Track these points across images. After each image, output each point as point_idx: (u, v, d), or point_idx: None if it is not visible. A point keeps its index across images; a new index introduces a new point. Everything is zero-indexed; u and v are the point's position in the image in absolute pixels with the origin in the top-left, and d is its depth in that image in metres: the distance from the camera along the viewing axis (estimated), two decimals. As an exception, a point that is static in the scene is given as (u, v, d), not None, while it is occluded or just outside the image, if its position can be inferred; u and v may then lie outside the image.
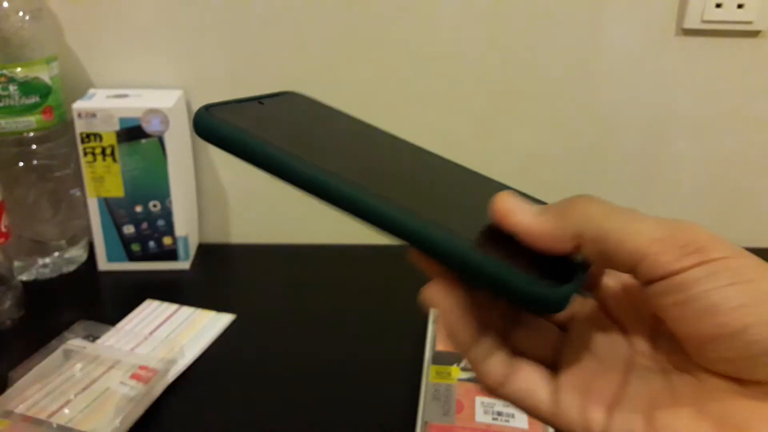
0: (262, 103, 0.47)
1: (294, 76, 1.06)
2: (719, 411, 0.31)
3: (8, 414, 0.72)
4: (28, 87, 0.93)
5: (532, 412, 0.37)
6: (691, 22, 1.01)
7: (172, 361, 0.82)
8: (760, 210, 1.16)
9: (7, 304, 0.90)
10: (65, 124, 1.00)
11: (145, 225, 1.03)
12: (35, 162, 0.97)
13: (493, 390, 0.38)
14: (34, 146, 0.97)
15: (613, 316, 0.39)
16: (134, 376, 0.78)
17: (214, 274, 1.07)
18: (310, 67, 1.06)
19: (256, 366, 0.85)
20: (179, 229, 1.04)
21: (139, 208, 1.01)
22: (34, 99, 0.94)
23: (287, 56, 1.05)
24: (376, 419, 0.76)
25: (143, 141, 0.97)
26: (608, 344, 0.38)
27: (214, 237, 1.17)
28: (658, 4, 1.02)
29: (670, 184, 1.14)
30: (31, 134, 0.96)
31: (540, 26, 1.03)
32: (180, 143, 1.02)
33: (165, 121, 0.96)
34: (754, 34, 1.03)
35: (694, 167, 1.12)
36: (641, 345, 0.37)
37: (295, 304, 0.96)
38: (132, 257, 1.05)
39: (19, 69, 0.92)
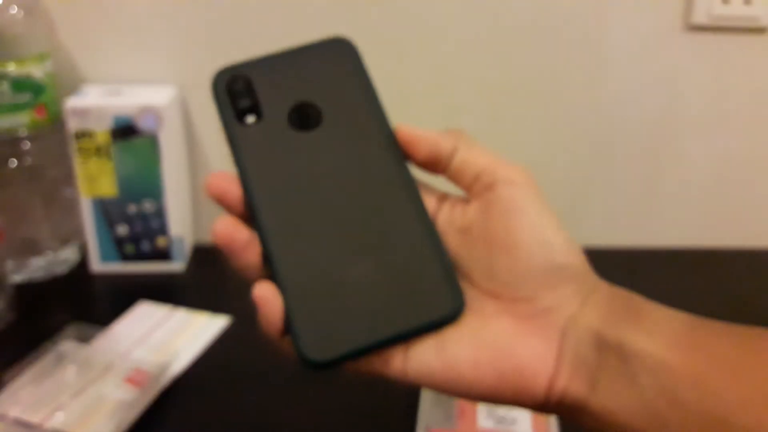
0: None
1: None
2: (491, 337, 0.41)
3: (1, 418, 0.72)
4: (20, 84, 0.93)
5: None
6: (698, 17, 1.00)
7: (167, 364, 0.82)
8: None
9: (-1, 305, 0.90)
10: (58, 122, 0.99)
11: (138, 225, 1.02)
12: (27, 161, 0.97)
13: None
14: (26, 145, 0.96)
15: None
16: (128, 380, 0.78)
17: (210, 276, 1.07)
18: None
19: (252, 369, 0.84)
20: (174, 230, 1.03)
21: (132, 208, 1.01)
22: (26, 97, 0.94)
23: (284, 53, 1.04)
24: (376, 424, 0.76)
25: (137, 139, 0.96)
26: None
27: (210, 237, 1.16)
28: (664, 0, 1.01)
29: (676, 183, 1.13)
30: (24, 132, 0.95)
31: (545, 23, 1.03)
32: (174, 141, 1.02)
33: (159, 119, 0.96)
34: (762, 30, 1.03)
35: (701, 165, 1.12)
36: None
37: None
38: (126, 258, 1.04)
39: (11, 66, 0.92)
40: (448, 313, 0.41)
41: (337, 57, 0.48)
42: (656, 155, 1.11)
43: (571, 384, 0.39)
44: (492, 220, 0.42)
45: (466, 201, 0.45)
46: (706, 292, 1.04)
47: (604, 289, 0.42)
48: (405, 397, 0.77)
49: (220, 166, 1.11)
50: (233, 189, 0.44)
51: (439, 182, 0.48)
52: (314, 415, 0.77)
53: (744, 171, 1.13)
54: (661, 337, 0.38)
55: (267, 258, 0.43)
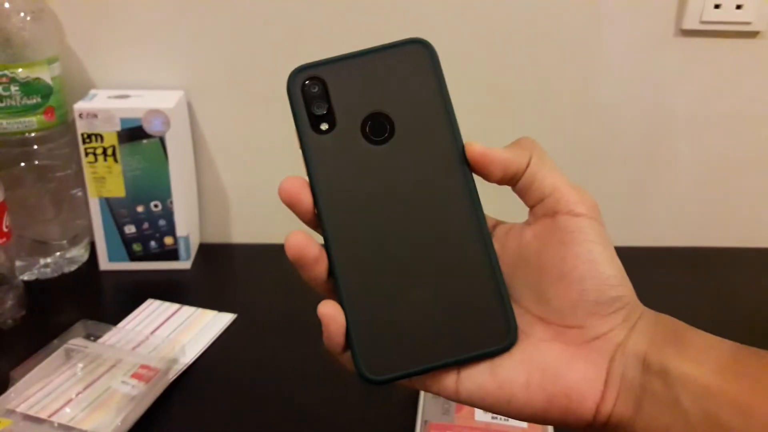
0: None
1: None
2: (541, 361, 0.41)
3: (10, 413, 0.72)
4: (29, 87, 0.94)
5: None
6: (690, 22, 1.01)
7: (173, 361, 0.82)
8: (757, 210, 1.16)
9: (9, 303, 0.91)
10: (66, 125, 1.00)
11: (146, 225, 1.03)
12: (37, 162, 0.98)
13: None
14: (35, 146, 0.97)
15: None
16: (135, 376, 0.78)
17: (215, 274, 1.08)
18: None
19: (257, 365, 0.85)
20: (180, 229, 1.04)
21: (140, 208, 1.02)
22: (35, 99, 0.95)
23: (287, 57, 1.05)
24: (376, 418, 0.76)
25: (144, 141, 0.98)
26: None
27: (215, 237, 1.17)
28: (656, 5, 1.02)
29: (668, 184, 1.14)
30: (33, 135, 0.96)
31: (539, 27, 1.04)
32: (181, 143, 1.03)
33: (166, 122, 0.97)
34: (753, 34, 1.03)
35: (692, 167, 1.13)
36: None
37: (296, 304, 0.96)
38: (133, 257, 1.05)
39: (20, 69, 0.93)
40: (501, 346, 0.42)
41: (413, 61, 0.46)
42: (648, 157, 1.12)
43: (616, 407, 0.40)
44: (549, 248, 0.43)
45: (525, 224, 0.45)
46: (696, 290, 1.05)
47: (648, 315, 0.43)
48: (405, 391, 0.78)
49: (226, 167, 1.12)
50: (305, 196, 0.44)
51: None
52: (317, 409, 0.77)
53: (733, 173, 1.13)
54: (706, 363, 0.38)
55: (332, 273, 0.43)
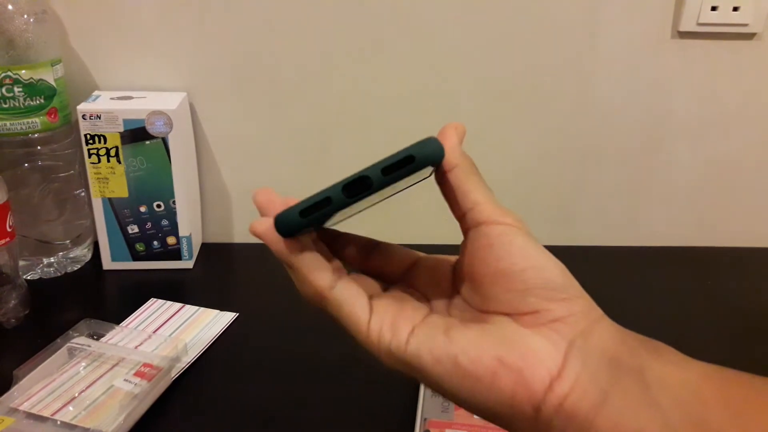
0: None
1: (295, 79, 1.07)
2: (497, 330, 0.41)
3: (13, 411, 0.72)
4: (32, 89, 0.94)
5: (350, 320, 0.44)
6: (687, 25, 1.01)
7: (176, 359, 0.83)
8: (754, 210, 1.17)
9: (13, 303, 0.91)
10: (70, 126, 1.01)
11: (149, 225, 1.04)
12: (40, 163, 0.98)
13: (319, 294, 0.45)
14: (39, 147, 0.98)
15: (418, 290, 0.49)
16: (138, 374, 0.79)
17: (217, 273, 1.08)
18: (310, 70, 1.06)
19: (259, 363, 0.86)
20: (183, 229, 1.05)
21: (143, 208, 1.02)
22: (38, 101, 0.95)
23: (288, 59, 1.06)
24: (376, 416, 0.77)
25: (147, 142, 0.98)
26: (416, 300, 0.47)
27: (217, 236, 1.18)
28: (654, 7, 1.02)
29: (666, 185, 1.14)
30: (36, 135, 0.97)
31: (537, 30, 1.04)
32: (183, 144, 1.03)
33: (169, 123, 0.97)
34: (750, 36, 1.03)
35: (690, 168, 1.13)
36: (438, 306, 0.47)
37: (298, 303, 0.96)
38: (136, 257, 1.06)
39: (24, 71, 0.93)
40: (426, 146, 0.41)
41: None
42: (646, 158, 1.13)
43: (574, 392, 0.38)
44: (480, 254, 0.43)
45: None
46: (694, 290, 1.05)
47: (613, 324, 0.41)
48: (405, 389, 0.79)
49: (228, 168, 1.13)
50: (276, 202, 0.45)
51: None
52: (318, 407, 0.78)
53: (732, 174, 1.14)
54: (690, 369, 0.37)
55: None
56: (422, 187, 0.54)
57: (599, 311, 0.42)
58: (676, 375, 0.37)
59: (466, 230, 0.44)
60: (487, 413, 0.40)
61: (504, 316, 0.41)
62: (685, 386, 0.36)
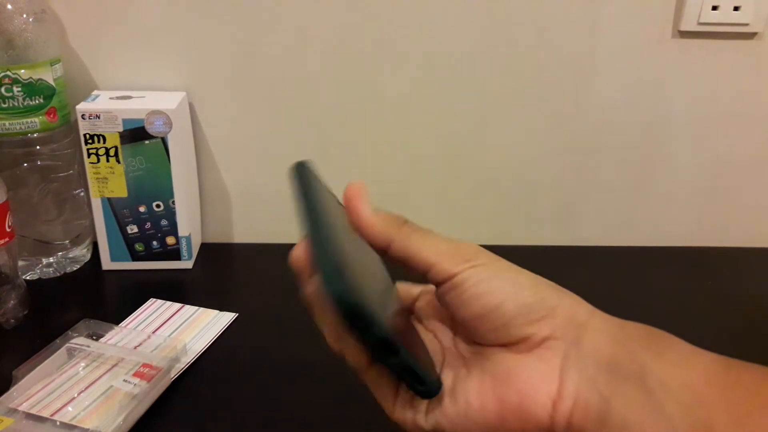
0: None
1: (294, 79, 1.07)
2: (493, 367, 0.42)
3: (12, 412, 0.72)
4: (32, 88, 0.94)
5: (379, 401, 0.50)
6: (688, 24, 1.01)
7: (175, 359, 0.83)
8: (755, 210, 1.17)
9: (12, 303, 0.91)
10: (69, 126, 1.01)
11: (148, 225, 1.04)
12: (39, 163, 0.98)
13: (353, 368, 0.49)
14: (38, 147, 0.97)
15: (425, 325, 0.50)
16: (137, 374, 0.78)
17: (217, 273, 1.08)
18: (310, 70, 1.06)
19: (258, 364, 0.85)
20: (182, 229, 1.05)
21: (142, 208, 1.02)
22: (38, 100, 0.95)
23: (288, 59, 1.05)
24: (376, 416, 0.76)
25: (146, 142, 0.98)
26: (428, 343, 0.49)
27: (217, 236, 1.18)
28: (654, 7, 1.02)
29: (667, 185, 1.14)
30: (35, 135, 0.96)
31: (538, 29, 1.04)
32: (183, 144, 1.03)
33: (168, 123, 0.97)
34: (751, 36, 1.03)
35: (690, 168, 1.13)
36: (446, 340, 0.48)
37: (297, 303, 0.96)
38: (135, 257, 1.06)
39: (23, 71, 0.93)
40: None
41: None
42: (646, 158, 1.13)
43: (577, 408, 0.39)
44: (456, 308, 0.44)
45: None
46: (695, 290, 1.05)
47: (607, 318, 0.42)
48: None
49: (227, 168, 1.13)
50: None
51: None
52: (318, 408, 0.78)
53: (732, 174, 1.14)
54: (694, 370, 0.37)
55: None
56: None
57: (584, 311, 0.43)
58: (678, 377, 0.37)
59: (434, 285, 0.45)
60: None
61: (499, 348, 0.43)
62: (687, 389, 0.36)
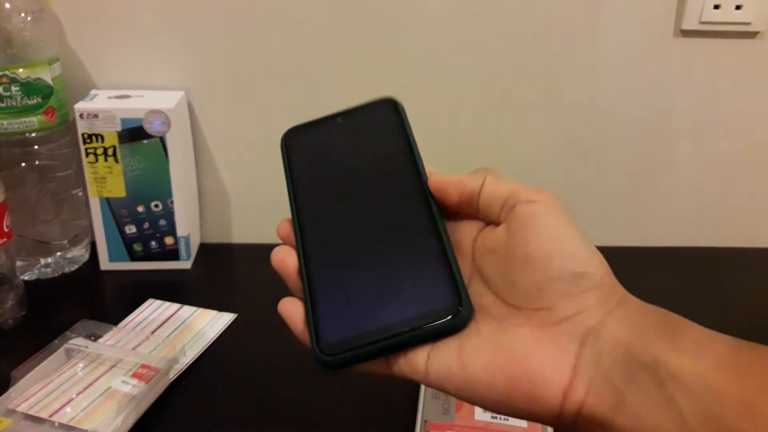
0: (340, 121, 0.56)
1: (294, 78, 1.07)
2: (509, 343, 0.41)
3: (10, 413, 0.72)
4: (30, 88, 0.94)
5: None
6: (690, 23, 1.01)
7: (174, 360, 0.83)
8: (756, 209, 1.16)
9: (10, 303, 0.91)
10: (67, 125, 1.01)
11: (146, 225, 1.03)
12: (37, 162, 0.98)
13: None
14: (36, 147, 0.97)
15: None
16: (136, 375, 0.78)
17: (216, 274, 1.08)
18: (310, 69, 1.06)
19: (257, 364, 0.85)
20: (181, 229, 1.05)
21: (140, 208, 1.02)
22: (36, 100, 0.95)
23: (288, 58, 1.05)
24: (376, 417, 0.77)
25: (145, 141, 0.98)
26: None
27: (216, 237, 1.18)
28: (656, 6, 1.02)
29: (668, 184, 1.14)
30: (33, 135, 0.96)
31: (539, 28, 1.04)
32: (181, 144, 1.03)
33: (166, 122, 0.97)
34: (753, 35, 1.03)
35: (692, 167, 1.13)
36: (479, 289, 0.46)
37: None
38: (134, 257, 1.05)
39: (21, 70, 0.93)
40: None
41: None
42: (648, 157, 1.12)
43: (589, 397, 0.38)
44: (513, 235, 0.43)
45: (495, 226, 0.46)
46: (695, 290, 1.05)
47: (633, 303, 0.41)
48: (405, 391, 0.78)
49: (226, 168, 1.13)
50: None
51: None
52: (317, 408, 0.78)
53: (734, 172, 1.14)
54: (705, 357, 0.36)
55: (300, 274, 0.49)
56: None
57: (617, 295, 0.41)
58: (689, 367, 0.36)
59: (505, 217, 0.45)
60: (515, 416, 0.41)
61: (518, 316, 0.42)
62: (698, 379, 0.35)
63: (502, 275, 0.44)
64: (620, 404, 0.37)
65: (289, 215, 0.53)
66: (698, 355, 0.36)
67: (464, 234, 0.48)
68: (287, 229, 0.51)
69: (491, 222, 0.47)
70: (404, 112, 0.56)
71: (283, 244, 0.52)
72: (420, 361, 0.43)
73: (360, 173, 0.51)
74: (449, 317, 0.43)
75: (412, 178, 0.49)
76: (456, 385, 0.41)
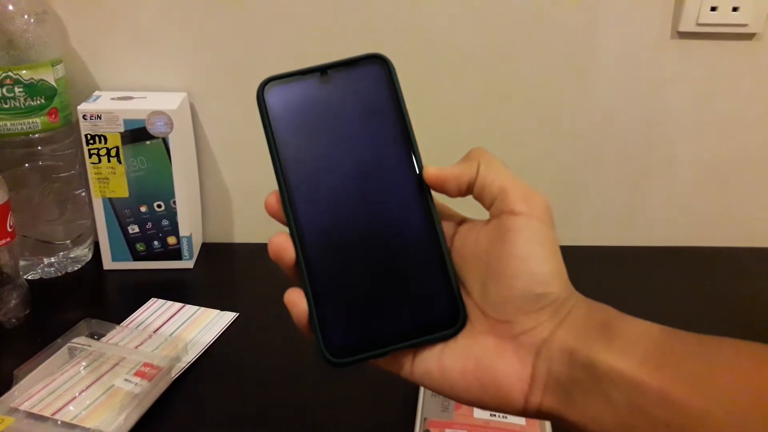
0: (325, 74, 0.53)
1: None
2: (479, 353, 0.45)
3: (13, 411, 0.73)
4: (33, 89, 0.95)
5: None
6: (687, 25, 1.01)
7: (176, 359, 0.83)
8: (754, 210, 1.17)
9: (13, 302, 0.91)
10: (70, 126, 1.01)
11: (149, 225, 1.04)
12: (41, 163, 0.98)
13: None
14: (39, 147, 0.98)
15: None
16: (138, 374, 0.79)
17: (218, 273, 1.09)
18: (311, 69, 1.06)
19: (259, 363, 0.86)
20: (183, 229, 1.05)
21: (143, 208, 1.03)
22: (39, 101, 0.95)
23: (289, 59, 1.06)
24: (376, 415, 0.77)
25: (148, 142, 0.98)
26: None
27: (218, 236, 1.18)
28: (653, 8, 1.02)
29: (666, 185, 1.14)
30: (37, 136, 0.97)
31: (537, 29, 1.04)
32: (184, 144, 1.03)
33: (169, 123, 0.97)
34: (749, 36, 1.03)
35: (689, 168, 1.13)
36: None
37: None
38: (136, 257, 1.06)
39: (24, 71, 0.93)
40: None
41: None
42: (645, 158, 1.13)
43: (545, 399, 0.43)
44: (493, 245, 0.46)
45: (485, 222, 0.48)
46: (694, 290, 1.05)
47: (581, 307, 0.45)
48: (405, 389, 0.78)
49: (228, 167, 1.13)
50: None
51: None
52: (318, 406, 0.78)
53: (731, 173, 1.14)
54: (633, 355, 0.40)
55: (298, 265, 0.48)
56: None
57: (569, 305, 0.45)
58: (618, 364, 0.40)
59: (493, 217, 0.47)
60: (489, 411, 0.48)
61: (485, 323, 0.46)
62: (625, 375, 0.40)
63: (479, 281, 0.47)
64: (569, 401, 0.42)
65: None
66: (627, 353, 0.41)
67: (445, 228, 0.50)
68: (276, 205, 0.50)
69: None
70: (394, 72, 0.54)
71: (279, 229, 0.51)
72: (406, 361, 0.47)
73: (351, 145, 0.49)
74: (448, 330, 0.46)
75: (405, 155, 0.50)
76: (436, 386, 0.46)
